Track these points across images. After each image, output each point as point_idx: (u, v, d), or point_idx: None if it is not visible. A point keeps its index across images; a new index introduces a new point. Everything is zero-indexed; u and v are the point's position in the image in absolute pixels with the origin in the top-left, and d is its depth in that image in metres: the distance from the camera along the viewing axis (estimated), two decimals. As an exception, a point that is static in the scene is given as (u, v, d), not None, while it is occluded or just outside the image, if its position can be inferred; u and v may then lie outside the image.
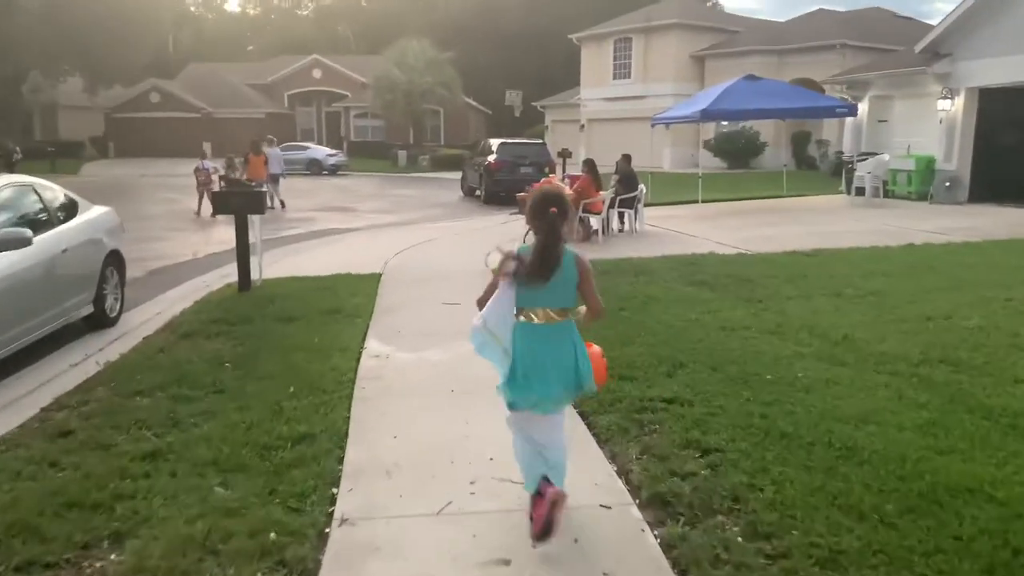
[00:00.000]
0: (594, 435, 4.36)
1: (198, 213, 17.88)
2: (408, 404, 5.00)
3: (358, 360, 5.87)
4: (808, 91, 17.50)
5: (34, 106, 43.94)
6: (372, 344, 6.36)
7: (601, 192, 12.62)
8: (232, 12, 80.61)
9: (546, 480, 3.21)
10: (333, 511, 3.56)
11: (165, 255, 12.38)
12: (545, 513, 3.11)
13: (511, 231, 13.23)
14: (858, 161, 17.92)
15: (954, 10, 16.08)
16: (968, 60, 16.04)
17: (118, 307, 7.77)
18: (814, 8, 37.72)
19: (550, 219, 3.13)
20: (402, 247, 11.87)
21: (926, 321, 6.43)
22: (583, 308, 3.36)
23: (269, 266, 10.56)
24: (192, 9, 76.28)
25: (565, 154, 31.19)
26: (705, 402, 4.63)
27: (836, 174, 29.09)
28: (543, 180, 11.94)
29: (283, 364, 5.71)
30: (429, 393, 5.21)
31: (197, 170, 18.51)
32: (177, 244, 13.53)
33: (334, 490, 3.78)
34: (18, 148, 31.92)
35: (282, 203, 19.65)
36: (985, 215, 14.55)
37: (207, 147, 42.14)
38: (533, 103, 44.43)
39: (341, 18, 70.99)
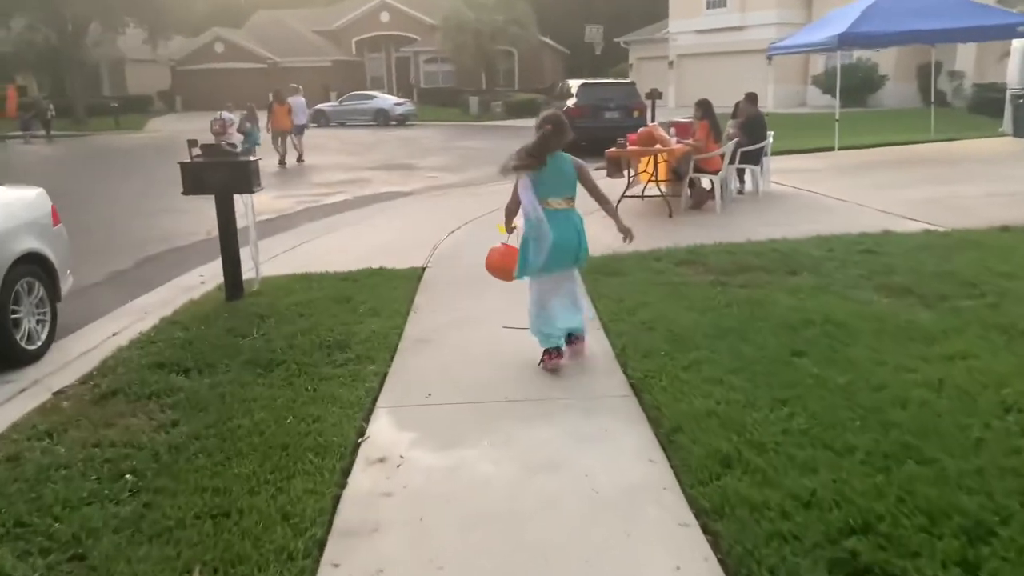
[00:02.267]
0: None
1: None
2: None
3: (346, 476, 3.30)
4: (977, 4, 13.80)
5: (101, 60, 42.91)
6: (379, 428, 3.78)
7: (720, 145, 9.63)
8: (302, -43, 78.10)
9: (569, 336, 4.53)
10: None
11: (174, 234, 10.12)
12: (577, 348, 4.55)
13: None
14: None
15: None
16: None
17: (44, 334, 5.43)
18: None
19: (543, 131, 4.31)
20: (459, 222, 9.23)
21: None
22: None
23: (286, 253, 8.17)
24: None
25: (655, 95, 27.72)
26: None
27: (976, 111, 24.97)
28: (642, 129, 9.02)
29: (212, 490, 3.19)
30: (463, 589, 2.60)
31: (214, 121, 16.87)
32: (195, 217, 11.22)
33: None
34: (52, 105, 30.80)
35: (299, 158, 18.49)
36: None
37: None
38: (615, 39, 40.65)
39: (411, -42, 67.69)
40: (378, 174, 16.03)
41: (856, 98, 30.05)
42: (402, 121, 33.42)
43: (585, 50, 41.70)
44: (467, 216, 9.60)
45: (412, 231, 9.06)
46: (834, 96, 30.52)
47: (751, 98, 10.46)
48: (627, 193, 9.51)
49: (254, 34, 47.93)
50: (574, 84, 19.02)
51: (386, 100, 34.96)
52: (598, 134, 17.56)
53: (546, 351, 4.43)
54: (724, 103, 32.59)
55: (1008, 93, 15.78)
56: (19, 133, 28.64)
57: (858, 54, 28.68)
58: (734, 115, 11.13)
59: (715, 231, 8.12)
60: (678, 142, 9.61)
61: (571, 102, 18.15)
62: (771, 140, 10.40)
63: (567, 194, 4.40)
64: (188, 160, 5.90)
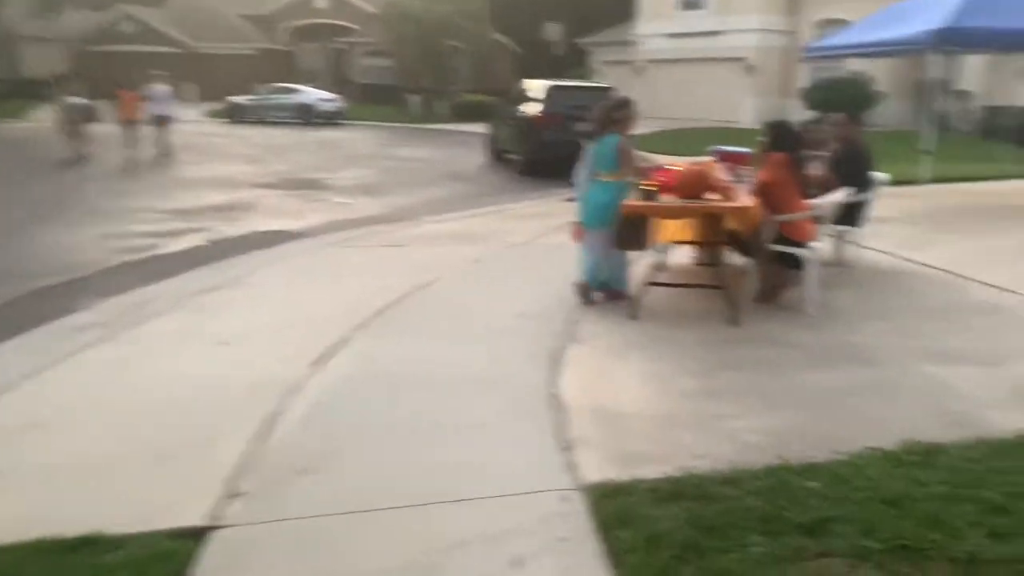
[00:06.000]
0: None
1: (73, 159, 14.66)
2: None
3: None
4: None
5: (-13, 37, 37.20)
6: None
7: (805, 197, 5.62)
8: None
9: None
10: None
11: None
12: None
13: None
14: None
15: None
16: None
17: None
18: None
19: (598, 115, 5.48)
20: (352, 320, 5.02)
21: None
22: None
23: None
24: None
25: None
26: None
27: (989, 136, 21.87)
28: (688, 166, 5.00)
29: None
30: None
31: (60, 108, 15.27)
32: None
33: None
34: None
35: (161, 153, 15.80)
36: None
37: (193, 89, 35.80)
38: (575, 40, 36.77)
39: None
40: (269, 196, 11.59)
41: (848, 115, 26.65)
42: (330, 119, 28.85)
43: (541, 52, 37.71)
44: (370, 303, 5.37)
45: (256, 346, 4.76)
46: (824, 111, 27.24)
47: (848, 124, 6.45)
48: (657, 279, 5.42)
49: (170, 15, 42.59)
50: (540, 86, 14.89)
51: (311, 95, 30.28)
52: (570, 151, 13.58)
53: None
54: (697, 115, 28.37)
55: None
56: None
57: (853, 66, 25.32)
58: (806, 142, 7.17)
59: (853, 375, 4.11)
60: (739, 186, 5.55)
61: (536, 109, 14.03)
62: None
63: (608, 169, 5.31)
64: None
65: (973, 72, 24.85)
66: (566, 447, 3.36)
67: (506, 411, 3.76)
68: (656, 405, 3.86)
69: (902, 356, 4.44)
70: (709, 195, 5.26)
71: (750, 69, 28.78)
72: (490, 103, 25.61)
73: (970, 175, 12.02)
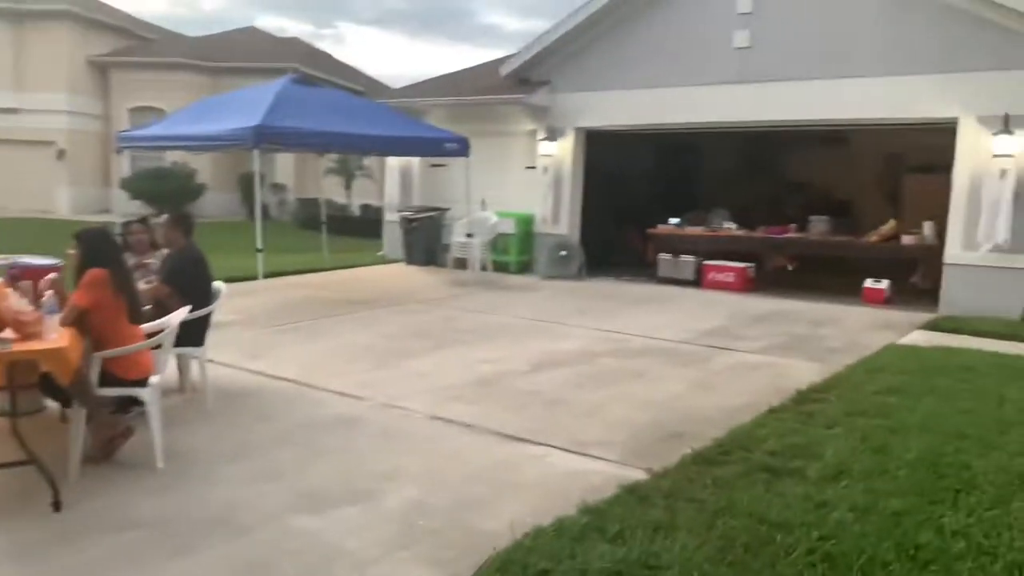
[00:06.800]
0: None
1: None
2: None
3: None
4: (404, 116, 11.59)
5: None
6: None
7: (138, 319, 4.67)
8: None
9: None
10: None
11: None
12: None
13: None
14: (417, 217, 12.97)
15: (555, 27, 12.20)
16: (573, 92, 12.34)
17: None
18: (244, 25, 32.05)
19: None
20: None
21: None
22: None
23: None
24: None
25: None
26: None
27: (303, 226, 23.94)
28: None
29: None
30: None
31: None
32: None
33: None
34: None
35: None
36: (677, 299, 10.73)
37: None
38: None
39: None
40: None
41: (172, 207, 26.17)
42: None
43: None
44: None
45: None
46: (149, 203, 26.34)
47: (180, 223, 5.64)
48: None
49: None
50: None
51: None
52: None
53: None
54: (4, 203, 24.86)
55: (397, 216, 14.18)
56: None
57: (175, 157, 24.93)
58: (127, 247, 6.12)
59: (222, 553, 3.30)
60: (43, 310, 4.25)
61: None
62: (220, 298, 5.73)
63: None
64: None
65: (285, 168, 27.13)
66: None
67: None
68: None
69: (272, 508, 3.80)
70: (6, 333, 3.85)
71: (62, 154, 26.00)
72: None
73: (299, 266, 12.57)
